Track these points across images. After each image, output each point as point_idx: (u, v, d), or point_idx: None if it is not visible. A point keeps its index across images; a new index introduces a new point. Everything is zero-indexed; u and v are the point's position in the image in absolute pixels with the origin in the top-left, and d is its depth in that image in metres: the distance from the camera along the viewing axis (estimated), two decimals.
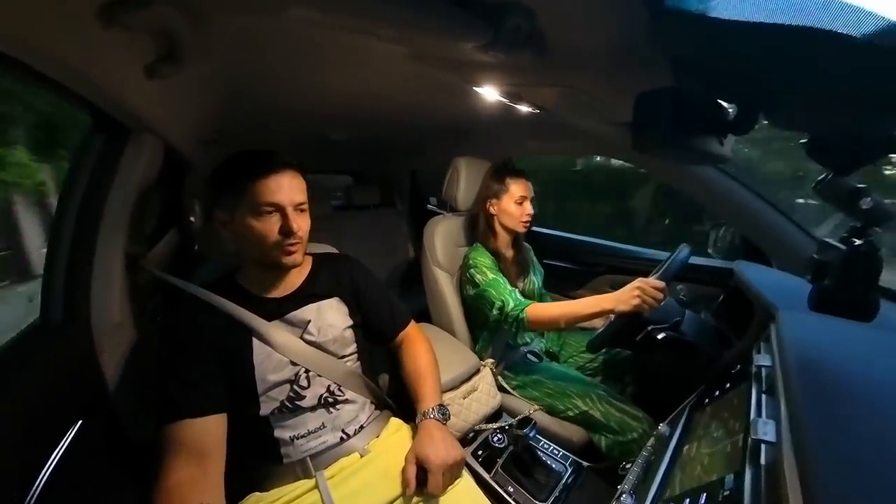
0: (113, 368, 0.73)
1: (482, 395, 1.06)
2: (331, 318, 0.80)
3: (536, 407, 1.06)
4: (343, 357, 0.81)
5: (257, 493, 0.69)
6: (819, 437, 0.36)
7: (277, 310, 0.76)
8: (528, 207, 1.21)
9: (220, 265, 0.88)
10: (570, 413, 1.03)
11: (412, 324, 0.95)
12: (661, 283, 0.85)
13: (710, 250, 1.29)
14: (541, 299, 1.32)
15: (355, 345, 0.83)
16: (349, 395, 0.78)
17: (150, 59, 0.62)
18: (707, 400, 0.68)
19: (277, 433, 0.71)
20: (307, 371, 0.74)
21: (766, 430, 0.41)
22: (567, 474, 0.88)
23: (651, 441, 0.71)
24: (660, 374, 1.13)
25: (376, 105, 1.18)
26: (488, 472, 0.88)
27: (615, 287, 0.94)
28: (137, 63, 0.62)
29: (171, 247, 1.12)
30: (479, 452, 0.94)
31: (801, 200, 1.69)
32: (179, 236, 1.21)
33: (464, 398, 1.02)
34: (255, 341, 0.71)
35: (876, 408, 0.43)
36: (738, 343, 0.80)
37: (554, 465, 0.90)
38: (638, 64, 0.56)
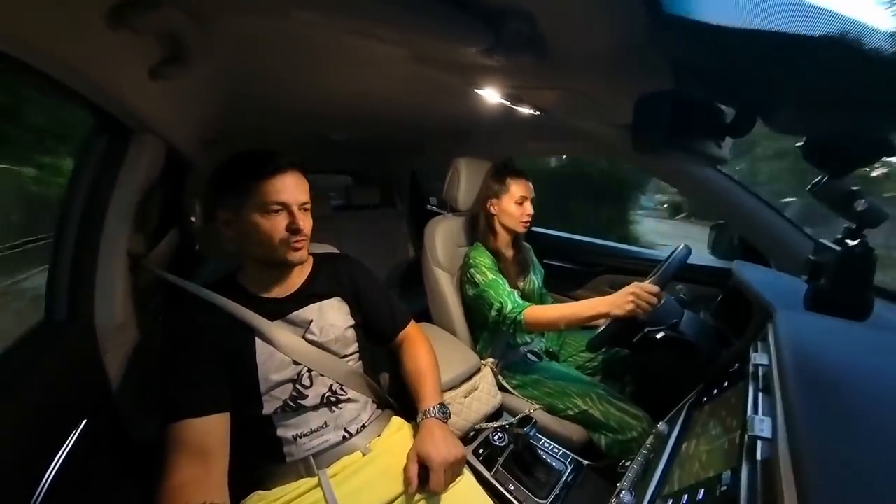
0: (116, 368, 0.74)
1: (483, 394, 1.07)
2: (332, 317, 0.80)
3: (537, 406, 1.07)
4: (345, 356, 0.81)
5: (260, 492, 0.70)
6: (813, 433, 0.37)
7: (279, 310, 0.76)
8: (529, 207, 1.22)
9: (220, 265, 0.89)
10: (570, 412, 1.04)
11: (412, 323, 0.95)
12: (656, 288, 0.87)
13: (708, 250, 1.30)
14: (541, 299, 1.33)
15: (357, 344, 0.84)
16: (351, 394, 0.79)
17: (152, 60, 0.62)
18: (705, 398, 0.68)
19: (280, 432, 0.72)
20: (309, 370, 0.75)
21: (762, 426, 0.42)
22: (567, 473, 0.88)
23: (650, 439, 0.72)
24: (659, 373, 1.13)
25: (377, 105, 1.18)
26: (489, 470, 0.89)
27: (615, 287, 0.95)
28: (140, 64, 0.63)
29: (171, 247, 1.13)
30: (480, 451, 0.94)
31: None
32: (180, 236, 1.22)
33: (465, 397, 1.03)
34: (258, 341, 0.72)
35: (869, 404, 0.44)
36: (737, 342, 0.81)
37: (554, 464, 0.90)
38: (637, 67, 0.57)
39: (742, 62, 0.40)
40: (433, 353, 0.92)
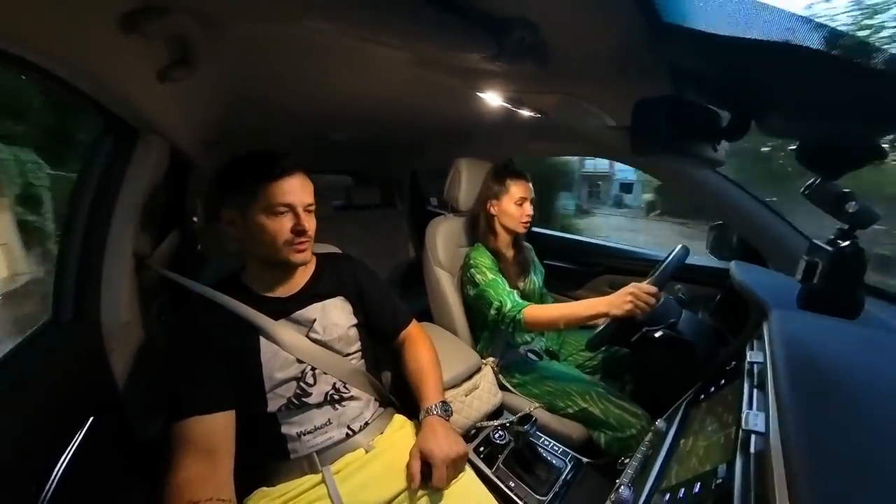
0: (122, 367, 0.75)
1: (483, 392, 1.08)
2: (335, 316, 0.82)
3: (537, 404, 1.08)
4: (348, 355, 0.82)
5: (264, 488, 0.71)
6: (802, 426, 0.38)
7: (283, 309, 0.77)
8: (528, 208, 1.23)
9: (223, 266, 0.89)
10: (570, 410, 1.05)
11: (414, 323, 0.96)
12: (654, 289, 0.88)
13: (707, 250, 1.31)
14: (541, 299, 1.34)
15: (359, 343, 0.85)
16: (354, 392, 0.80)
17: (159, 63, 0.63)
18: (703, 396, 0.70)
19: (284, 429, 0.73)
20: (313, 369, 0.76)
21: (755, 421, 0.43)
22: (567, 470, 0.89)
23: (649, 436, 0.73)
24: (658, 372, 1.15)
25: (378, 106, 1.19)
26: (490, 467, 0.90)
27: (614, 287, 0.96)
28: (147, 66, 0.63)
29: (173, 247, 1.13)
30: (481, 449, 0.95)
31: None
32: (182, 236, 1.22)
33: (465, 396, 1.04)
34: (262, 340, 0.73)
35: (858, 398, 0.46)
36: (734, 341, 0.82)
37: (554, 461, 0.91)
38: (636, 72, 0.58)
39: (737, 69, 0.41)
40: (434, 352, 0.93)
